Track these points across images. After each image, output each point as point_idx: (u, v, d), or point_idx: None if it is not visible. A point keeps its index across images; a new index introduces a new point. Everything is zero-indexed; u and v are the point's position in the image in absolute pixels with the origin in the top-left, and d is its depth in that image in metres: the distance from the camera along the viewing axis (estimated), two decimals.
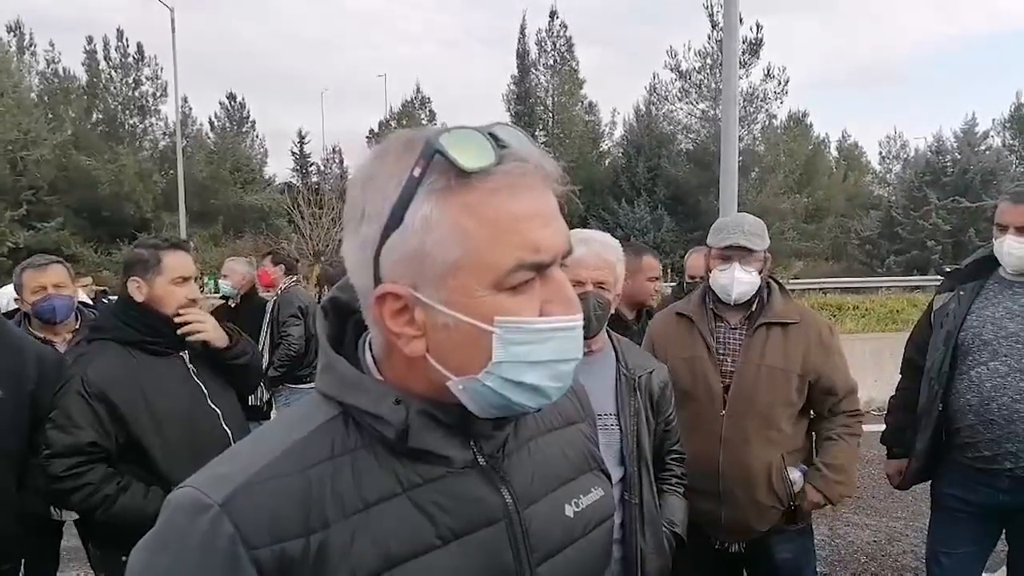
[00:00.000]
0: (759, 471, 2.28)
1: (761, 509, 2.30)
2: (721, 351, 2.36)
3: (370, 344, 0.83)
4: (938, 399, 2.44)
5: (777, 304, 2.36)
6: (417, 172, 0.68)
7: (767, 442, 2.29)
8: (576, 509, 0.88)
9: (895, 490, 2.88)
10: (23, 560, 2.51)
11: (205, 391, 2.31)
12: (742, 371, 2.31)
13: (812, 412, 2.44)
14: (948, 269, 2.67)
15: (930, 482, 2.62)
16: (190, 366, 2.32)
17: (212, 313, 5.13)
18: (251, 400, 4.76)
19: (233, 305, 5.11)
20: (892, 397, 2.80)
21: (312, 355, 4.72)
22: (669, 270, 20.50)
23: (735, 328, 2.38)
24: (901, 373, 2.74)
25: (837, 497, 2.35)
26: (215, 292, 5.33)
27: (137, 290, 2.23)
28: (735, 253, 2.29)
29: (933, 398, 2.46)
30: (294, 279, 5.07)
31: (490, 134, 0.70)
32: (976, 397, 2.34)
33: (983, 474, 2.37)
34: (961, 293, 2.48)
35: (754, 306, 2.37)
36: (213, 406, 2.31)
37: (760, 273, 2.32)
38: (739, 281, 2.29)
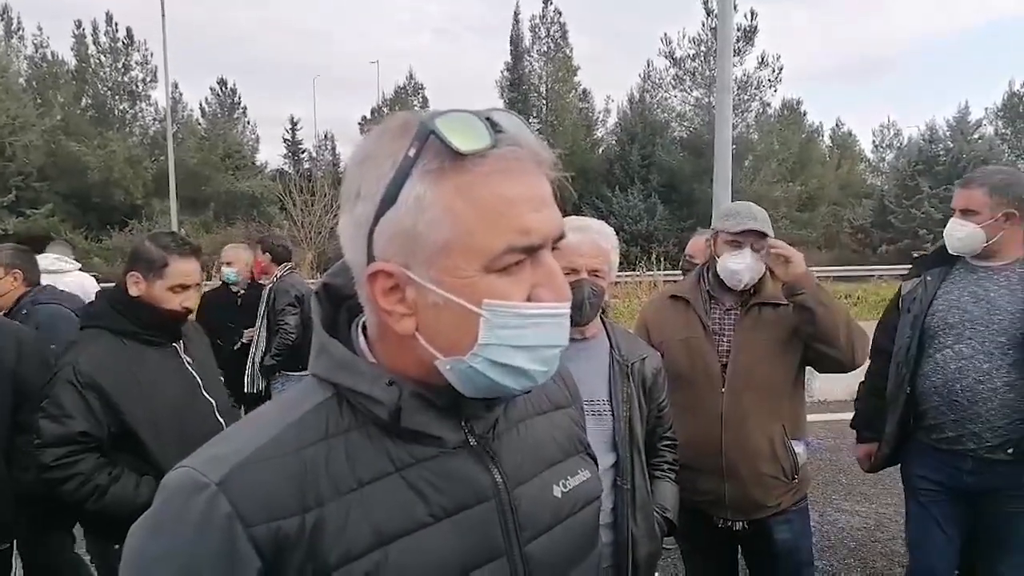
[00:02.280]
0: (762, 444, 2.31)
1: (765, 483, 2.33)
2: (717, 331, 2.39)
3: (363, 328, 0.84)
4: (906, 383, 2.50)
5: (768, 286, 2.39)
6: (412, 152, 0.69)
7: (767, 415, 2.32)
8: (564, 490, 0.90)
9: (884, 477, 2.91)
10: (15, 540, 2.52)
11: (200, 381, 2.31)
12: (738, 349, 2.34)
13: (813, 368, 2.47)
14: (916, 256, 2.74)
15: (900, 466, 2.68)
16: (184, 356, 2.32)
17: (212, 299, 5.12)
18: (248, 388, 4.76)
19: (240, 292, 5.08)
20: (861, 382, 2.85)
21: (307, 342, 4.70)
22: (662, 259, 20.57)
23: (729, 310, 2.40)
24: (869, 358, 2.79)
25: (801, 276, 2.25)
26: (207, 280, 5.28)
27: (135, 285, 2.22)
28: (747, 239, 2.30)
29: (901, 382, 2.52)
30: (288, 267, 5.00)
31: (487, 118, 0.71)
32: (940, 379, 2.40)
33: (948, 455, 2.43)
34: (928, 279, 2.54)
35: (750, 288, 2.39)
36: (208, 396, 2.31)
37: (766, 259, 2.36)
38: (752, 266, 2.30)
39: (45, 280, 5.64)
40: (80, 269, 6.14)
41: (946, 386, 2.38)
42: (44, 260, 5.78)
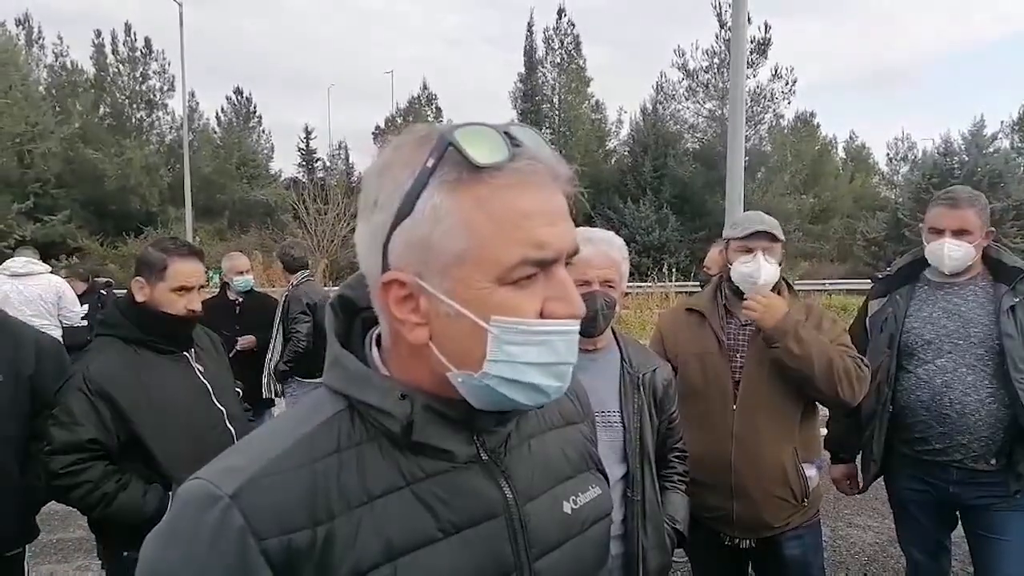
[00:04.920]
0: (772, 465, 2.28)
1: (774, 504, 2.29)
2: (732, 347, 2.36)
3: (377, 340, 0.84)
4: (888, 401, 2.53)
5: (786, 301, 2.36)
6: (430, 163, 0.70)
7: (779, 436, 2.29)
8: (574, 506, 0.90)
9: None
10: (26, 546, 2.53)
11: (211, 390, 2.32)
12: (752, 366, 2.31)
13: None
14: (880, 276, 2.79)
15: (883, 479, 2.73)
16: (195, 364, 2.33)
17: (210, 306, 5.12)
18: (264, 393, 4.78)
19: (239, 300, 5.08)
20: None
21: (322, 350, 4.69)
22: (674, 270, 20.50)
23: (745, 325, 2.37)
24: None
25: (771, 331, 2.22)
26: (217, 287, 5.27)
27: (140, 290, 2.25)
28: (758, 243, 2.30)
29: (884, 401, 2.55)
30: (305, 274, 5.02)
31: (505, 132, 0.71)
32: (927, 394, 2.45)
33: (934, 467, 2.49)
34: (897, 297, 2.60)
35: None
36: (219, 405, 2.32)
37: (780, 265, 2.33)
38: (765, 269, 2.28)
39: (17, 282, 5.73)
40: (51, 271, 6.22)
41: (934, 400, 2.43)
42: (15, 263, 5.87)
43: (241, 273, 5.02)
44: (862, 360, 2.33)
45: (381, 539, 0.73)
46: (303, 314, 4.72)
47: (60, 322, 5.92)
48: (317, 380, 4.74)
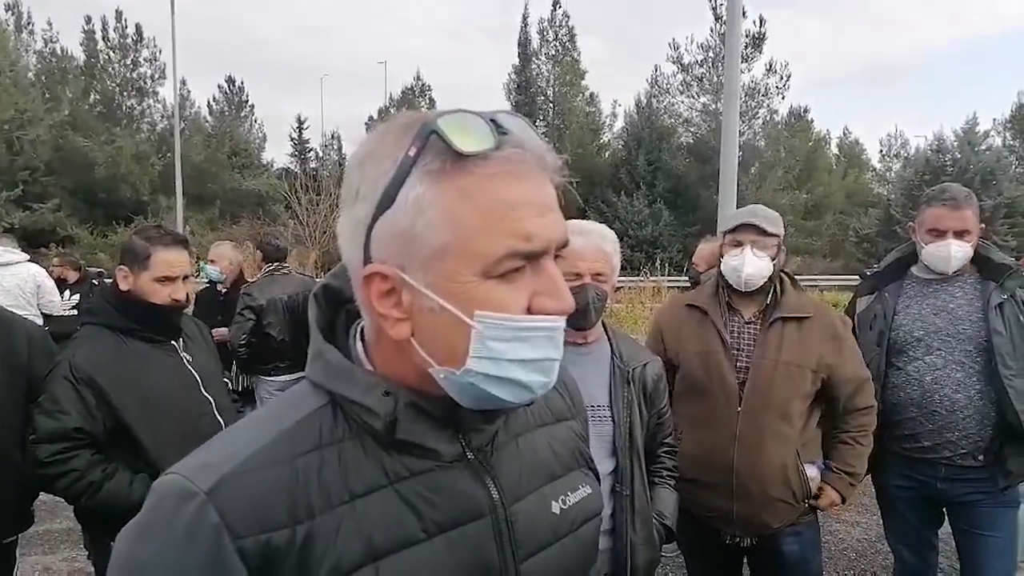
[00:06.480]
0: (775, 468, 2.24)
1: (775, 505, 2.26)
2: (736, 346, 2.31)
3: (361, 333, 0.82)
4: (879, 399, 2.51)
5: (791, 297, 2.32)
6: (412, 152, 0.67)
7: (782, 438, 2.24)
8: (563, 506, 0.88)
9: None
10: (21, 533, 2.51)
11: (199, 379, 2.31)
12: (759, 367, 2.25)
13: (824, 404, 2.40)
14: (869, 272, 2.81)
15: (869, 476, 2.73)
16: (183, 354, 2.31)
17: (200, 298, 5.07)
18: (231, 385, 4.68)
19: (223, 291, 5.00)
20: None
21: (269, 350, 4.53)
22: (666, 264, 20.54)
23: (749, 322, 2.32)
24: None
25: (850, 495, 2.39)
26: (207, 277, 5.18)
27: (124, 279, 2.24)
28: (746, 236, 2.26)
29: (877, 399, 2.52)
30: (270, 268, 4.78)
31: (492, 120, 0.69)
32: (917, 391, 2.46)
33: (922, 464, 2.50)
34: (886, 294, 2.60)
35: (768, 299, 2.32)
36: (207, 395, 2.31)
37: (773, 261, 2.28)
38: (750, 263, 2.23)
39: None
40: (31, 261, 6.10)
41: (924, 397, 2.44)
42: None
43: (212, 262, 4.93)
44: (870, 408, 2.36)
45: (363, 539, 0.71)
46: (240, 315, 4.50)
47: (40, 311, 5.83)
48: (274, 378, 4.63)
